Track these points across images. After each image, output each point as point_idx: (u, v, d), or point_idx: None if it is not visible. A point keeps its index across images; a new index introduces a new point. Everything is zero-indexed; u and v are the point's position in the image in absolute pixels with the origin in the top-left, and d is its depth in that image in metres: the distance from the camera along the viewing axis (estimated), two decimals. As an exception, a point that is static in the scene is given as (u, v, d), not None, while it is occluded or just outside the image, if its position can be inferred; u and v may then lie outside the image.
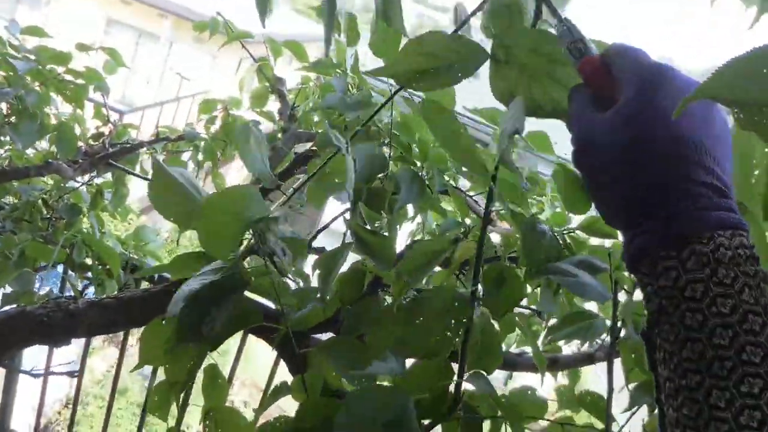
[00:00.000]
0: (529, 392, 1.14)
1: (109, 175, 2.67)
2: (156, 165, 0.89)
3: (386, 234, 1.13)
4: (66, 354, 2.26)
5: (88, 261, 2.48)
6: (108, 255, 2.03)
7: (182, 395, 1.08)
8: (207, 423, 1.16)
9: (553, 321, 1.18)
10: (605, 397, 0.97)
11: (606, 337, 1.46)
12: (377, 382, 0.86)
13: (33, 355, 2.20)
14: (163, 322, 1.04)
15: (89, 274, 2.27)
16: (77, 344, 2.21)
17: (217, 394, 1.18)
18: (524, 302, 1.37)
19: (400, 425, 0.71)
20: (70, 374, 1.78)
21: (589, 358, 1.43)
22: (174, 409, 1.10)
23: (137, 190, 2.90)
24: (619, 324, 1.02)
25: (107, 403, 2.63)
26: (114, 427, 5.55)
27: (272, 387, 1.14)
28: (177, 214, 0.88)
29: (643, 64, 0.59)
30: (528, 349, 1.50)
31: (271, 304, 1.06)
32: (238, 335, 2.17)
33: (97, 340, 6.48)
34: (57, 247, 1.93)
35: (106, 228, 2.73)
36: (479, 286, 0.86)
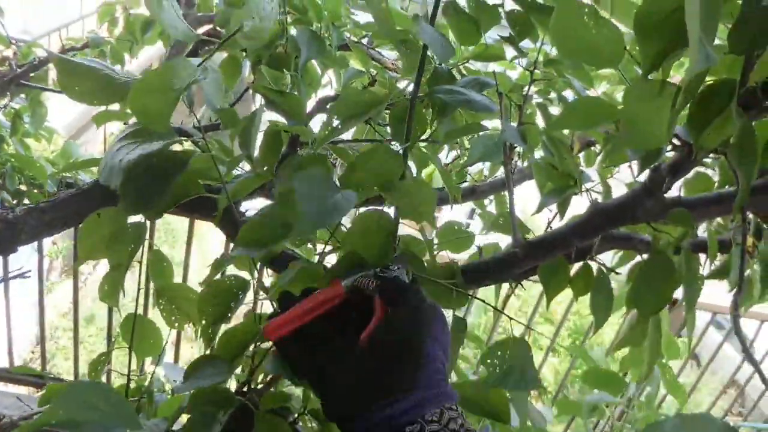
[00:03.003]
0: (456, 227, 1.24)
1: (25, 102, 2.63)
2: (56, 57, 0.91)
3: (294, 92, 1.17)
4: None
5: (23, 188, 2.48)
6: (36, 170, 2.04)
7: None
8: (160, 301, 1.24)
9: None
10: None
11: (520, 163, 1.55)
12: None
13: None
14: (99, 216, 1.07)
15: (26, 201, 2.27)
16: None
17: (164, 275, 1.25)
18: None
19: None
20: (22, 275, 1.82)
21: (503, 185, 1.52)
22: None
23: (62, 118, 2.87)
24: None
25: (73, 338, 2.71)
26: (89, 354, 5.63)
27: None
28: (86, 93, 0.90)
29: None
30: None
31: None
32: (186, 224, 2.24)
33: (55, 274, 6.46)
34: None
35: (35, 153, 2.71)
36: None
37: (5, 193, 2.14)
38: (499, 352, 0.89)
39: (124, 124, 2.29)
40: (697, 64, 0.50)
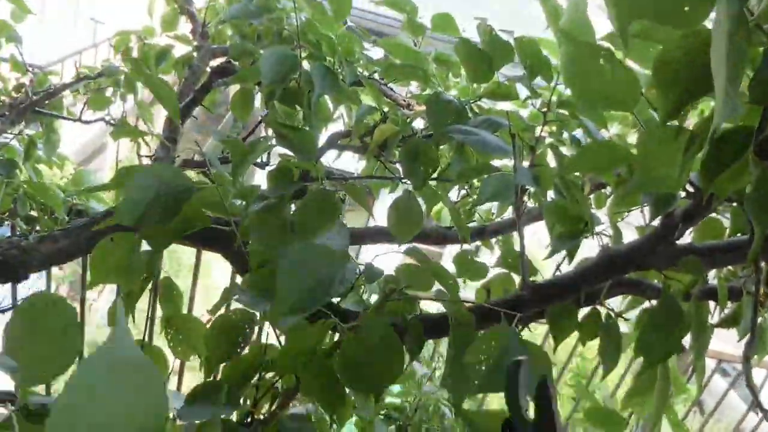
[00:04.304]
0: (469, 257, 1.23)
1: (39, 127, 2.65)
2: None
3: (306, 128, 1.17)
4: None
5: (34, 213, 2.49)
6: (49, 198, 2.04)
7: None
8: (168, 330, 1.23)
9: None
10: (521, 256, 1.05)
11: (530, 203, 1.55)
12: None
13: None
14: (111, 240, 1.08)
15: (38, 228, 2.28)
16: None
17: (173, 303, 1.24)
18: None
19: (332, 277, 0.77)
20: None
21: (513, 224, 1.51)
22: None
23: (72, 143, 2.89)
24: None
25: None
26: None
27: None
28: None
29: None
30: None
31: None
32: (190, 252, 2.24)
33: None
34: (0, 194, 1.93)
35: (46, 179, 2.72)
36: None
37: (18, 219, 2.14)
38: (484, 346, 0.82)
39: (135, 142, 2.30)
40: (723, 115, 0.50)
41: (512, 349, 0.79)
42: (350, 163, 1.95)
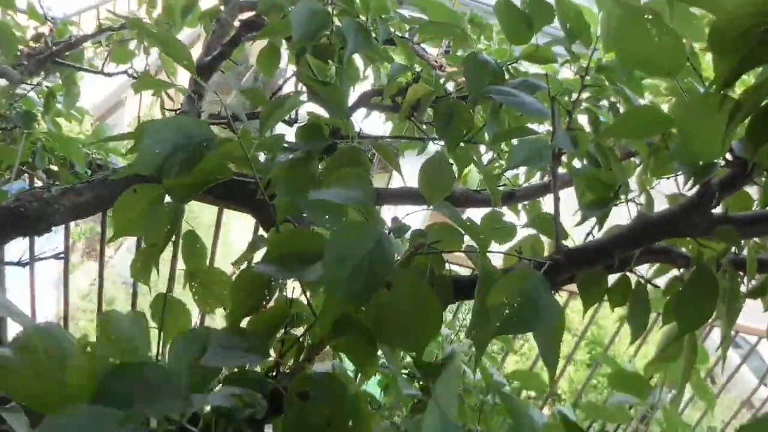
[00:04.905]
0: (497, 218, 1.22)
1: (58, 79, 2.63)
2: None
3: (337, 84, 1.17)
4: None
5: (53, 168, 2.49)
6: (71, 150, 2.05)
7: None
8: (192, 284, 1.24)
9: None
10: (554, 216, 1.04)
11: (562, 171, 1.54)
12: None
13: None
14: (135, 192, 1.08)
15: (57, 183, 2.28)
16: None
17: (197, 257, 1.25)
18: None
19: (380, 251, 0.76)
20: (56, 257, 1.83)
21: (544, 189, 1.51)
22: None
23: (88, 99, 2.87)
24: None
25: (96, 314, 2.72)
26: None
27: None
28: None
29: None
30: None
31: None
32: (210, 212, 2.26)
33: (76, 255, 6.50)
34: (20, 147, 1.93)
35: (65, 133, 2.72)
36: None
37: (40, 171, 2.15)
38: (507, 290, 0.80)
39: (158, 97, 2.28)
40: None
41: (537, 292, 0.78)
42: (376, 125, 1.94)
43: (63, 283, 2.55)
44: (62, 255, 1.91)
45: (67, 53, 2.60)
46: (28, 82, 2.57)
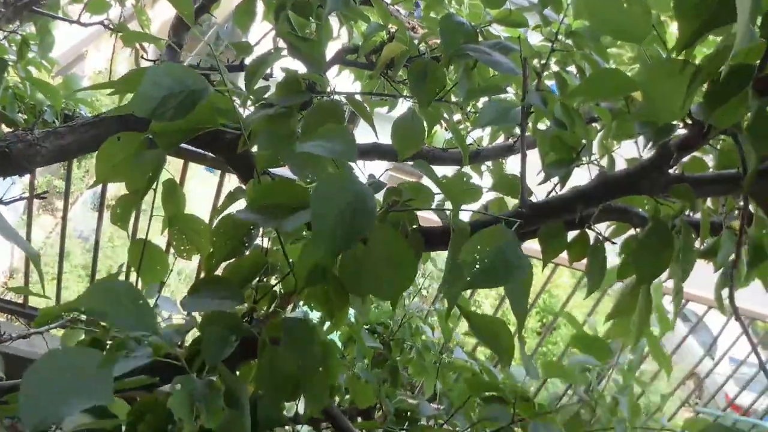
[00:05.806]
0: (464, 179, 1.27)
1: (32, 27, 2.60)
2: None
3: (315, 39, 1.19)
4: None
5: (22, 116, 2.47)
6: (51, 94, 2.04)
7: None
8: (171, 229, 1.26)
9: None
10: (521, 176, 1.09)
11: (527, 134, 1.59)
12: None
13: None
14: (119, 139, 1.10)
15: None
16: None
17: (176, 204, 1.27)
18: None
19: (362, 201, 0.80)
20: (39, 196, 1.82)
21: (508, 149, 1.56)
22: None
23: (58, 46, 2.84)
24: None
25: (57, 268, 2.72)
26: (64, 290, 5.63)
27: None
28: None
29: None
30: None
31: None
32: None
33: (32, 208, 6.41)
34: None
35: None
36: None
37: (19, 114, 2.13)
38: (479, 246, 0.85)
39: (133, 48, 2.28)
40: (743, 41, 0.54)
41: (508, 248, 0.83)
42: (346, 84, 1.97)
43: (27, 229, 2.55)
44: (45, 194, 1.92)
45: (43, 1, 2.56)
46: (3, 29, 2.53)
